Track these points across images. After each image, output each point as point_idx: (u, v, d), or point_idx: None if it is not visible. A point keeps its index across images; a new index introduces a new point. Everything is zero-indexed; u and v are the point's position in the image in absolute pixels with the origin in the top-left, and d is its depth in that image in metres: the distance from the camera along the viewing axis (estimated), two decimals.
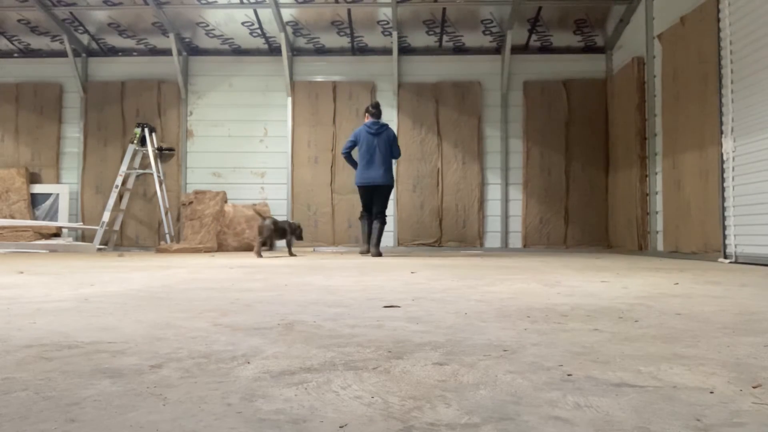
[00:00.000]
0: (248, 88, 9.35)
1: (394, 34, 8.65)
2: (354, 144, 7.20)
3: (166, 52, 9.16)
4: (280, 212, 9.19)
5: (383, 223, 7.11)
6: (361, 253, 7.20)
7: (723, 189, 5.62)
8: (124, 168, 8.86)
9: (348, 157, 7.24)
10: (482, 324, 1.81)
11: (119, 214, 9.05)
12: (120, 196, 8.99)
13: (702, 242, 5.98)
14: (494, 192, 9.06)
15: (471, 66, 9.25)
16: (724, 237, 5.58)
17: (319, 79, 9.34)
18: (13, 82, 9.42)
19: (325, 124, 9.21)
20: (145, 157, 9.06)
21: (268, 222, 6.81)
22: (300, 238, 7.32)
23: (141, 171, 9.14)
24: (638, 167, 7.50)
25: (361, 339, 1.56)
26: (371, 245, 7.02)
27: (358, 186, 7.16)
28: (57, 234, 9.12)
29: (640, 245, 7.48)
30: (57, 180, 9.32)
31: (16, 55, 9.58)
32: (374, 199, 7.09)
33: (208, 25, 8.95)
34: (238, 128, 9.32)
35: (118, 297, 2.55)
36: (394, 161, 7.37)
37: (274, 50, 9.32)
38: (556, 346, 1.46)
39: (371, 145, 7.04)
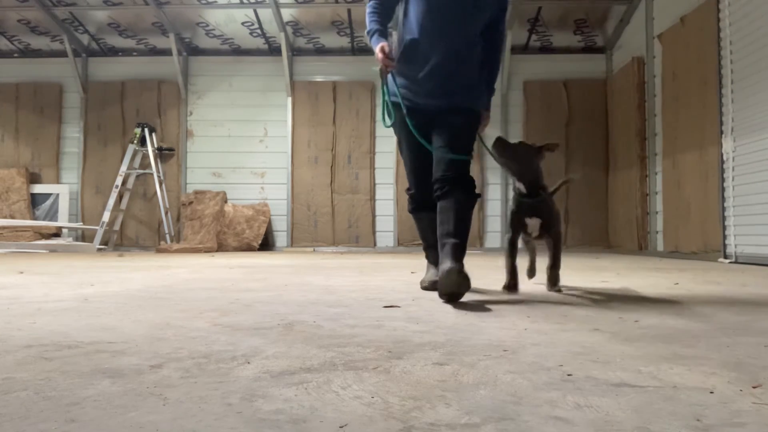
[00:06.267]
0: (248, 88, 9.35)
1: (395, 34, 8.64)
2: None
3: (166, 52, 9.15)
4: (280, 212, 9.17)
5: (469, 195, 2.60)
6: (426, 285, 2.82)
7: (723, 189, 5.61)
8: (124, 168, 8.85)
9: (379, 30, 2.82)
10: (482, 324, 1.81)
11: (119, 214, 9.05)
12: (120, 196, 8.98)
13: (702, 242, 5.98)
14: (494, 192, 9.06)
15: None
16: (724, 237, 5.58)
17: (319, 79, 9.33)
18: (13, 82, 9.41)
19: (325, 124, 9.21)
20: (145, 157, 9.05)
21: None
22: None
23: (141, 171, 9.13)
24: (638, 167, 7.50)
25: (361, 339, 1.56)
26: (449, 258, 2.39)
27: (409, 109, 2.68)
28: (57, 234, 9.12)
29: (640, 245, 7.48)
30: (57, 180, 9.32)
31: (16, 55, 9.58)
32: (440, 135, 2.67)
33: (208, 25, 8.95)
34: (238, 128, 9.32)
35: (118, 297, 2.55)
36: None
37: (274, 50, 9.32)
38: (556, 346, 1.46)
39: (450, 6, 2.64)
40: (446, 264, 2.32)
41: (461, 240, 2.46)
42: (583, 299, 2.47)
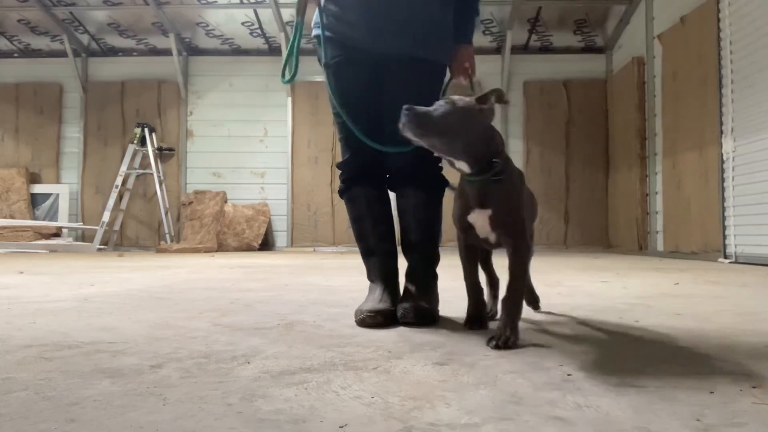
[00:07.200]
0: (248, 88, 9.35)
1: None
2: None
3: (166, 52, 9.15)
4: (280, 212, 9.16)
5: (433, 197, 2.05)
6: (363, 316, 1.80)
7: (723, 189, 5.61)
8: (124, 168, 8.85)
9: None
10: None
11: (119, 214, 9.05)
12: (120, 196, 8.98)
13: (702, 242, 5.98)
14: None
15: None
16: (724, 237, 5.58)
17: (319, 79, 9.32)
18: (13, 82, 9.41)
19: (325, 124, 9.19)
20: (145, 157, 9.05)
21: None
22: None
23: (141, 171, 9.13)
24: (638, 167, 7.50)
25: (361, 339, 1.56)
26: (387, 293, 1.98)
27: (345, 51, 2.05)
28: (57, 234, 9.11)
29: (640, 245, 7.48)
30: (57, 180, 9.32)
31: (16, 55, 9.57)
32: (392, 106, 1.74)
33: (208, 25, 8.95)
34: (238, 128, 9.32)
35: (118, 297, 2.55)
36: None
37: (274, 50, 9.32)
38: (556, 346, 1.46)
39: None
40: (406, 302, 1.85)
41: (428, 250, 2.05)
42: (583, 300, 2.47)
